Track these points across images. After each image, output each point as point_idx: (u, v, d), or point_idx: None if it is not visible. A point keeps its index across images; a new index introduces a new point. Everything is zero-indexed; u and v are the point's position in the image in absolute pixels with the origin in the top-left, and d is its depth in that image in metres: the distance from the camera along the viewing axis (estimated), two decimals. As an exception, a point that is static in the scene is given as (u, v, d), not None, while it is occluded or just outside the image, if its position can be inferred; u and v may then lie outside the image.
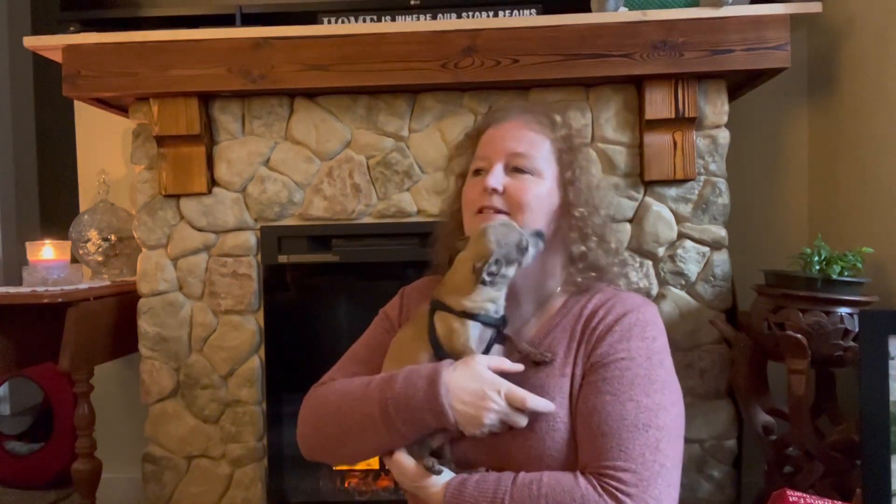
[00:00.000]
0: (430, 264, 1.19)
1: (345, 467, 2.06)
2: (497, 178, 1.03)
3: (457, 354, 0.98)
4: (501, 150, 1.05)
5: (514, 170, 1.04)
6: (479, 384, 0.94)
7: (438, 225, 1.21)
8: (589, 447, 0.92)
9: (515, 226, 0.99)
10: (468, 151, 1.13)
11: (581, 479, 0.90)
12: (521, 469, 0.95)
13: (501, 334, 1.01)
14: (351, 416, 0.99)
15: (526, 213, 1.02)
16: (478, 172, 1.07)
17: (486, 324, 0.98)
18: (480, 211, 1.04)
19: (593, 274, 1.07)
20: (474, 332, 0.97)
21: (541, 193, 1.04)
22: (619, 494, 0.87)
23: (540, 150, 1.05)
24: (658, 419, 0.92)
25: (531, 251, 0.99)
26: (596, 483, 0.89)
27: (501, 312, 1.00)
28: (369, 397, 0.97)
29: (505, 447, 0.97)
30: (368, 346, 1.16)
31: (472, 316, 0.97)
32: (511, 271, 0.98)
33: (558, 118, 1.11)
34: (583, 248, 1.06)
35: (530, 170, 1.04)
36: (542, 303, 1.08)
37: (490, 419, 0.93)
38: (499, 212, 1.03)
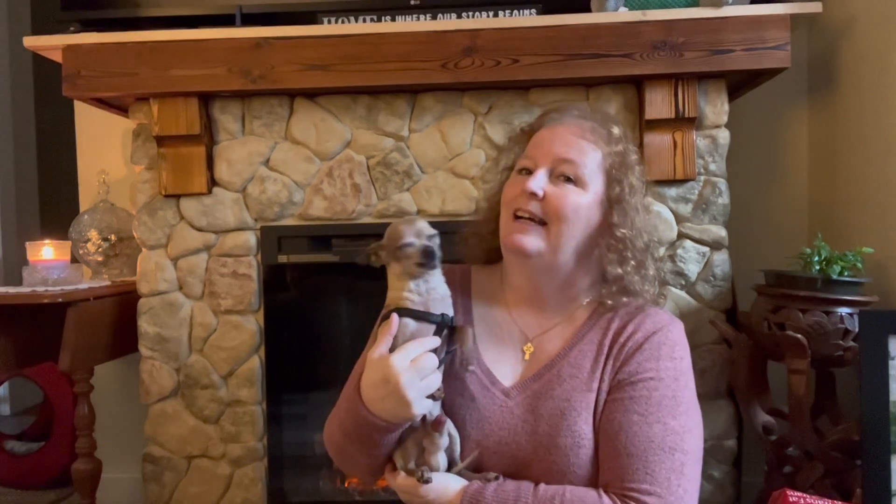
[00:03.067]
0: (464, 258, 1.17)
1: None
2: (539, 181, 0.99)
3: None
4: (549, 154, 1.01)
5: (558, 176, 1.00)
6: (380, 372, 0.92)
7: (472, 221, 1.19)
8: (613, 466, 0.91)
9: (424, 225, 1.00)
10: (517, 146, 1.11)
11: (605, 498, 0.89)
12: (539, 482, 0.94)
13: (452, 331, 0.99)
14: (339, 441, 1.02)
15: (563, 224, 0.99)
16: (522, 171, 1.04)
17: (418, 318, 0.96)
18: (516, 216, 1.00)
19: (625, 299, 1.02)
20: (406, 329, 0.96)
21: (581, 205, 0.99)
22: None
23: (589, 160, 1.01)
24: (684, 443, 0.92)
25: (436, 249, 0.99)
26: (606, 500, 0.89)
27: (440, 311, 0.98)
28: (353, 398, 0.99)
29: (526, 463, 0.96)
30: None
31: (398, 311, 0.97)
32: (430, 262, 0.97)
33: (617, 131, 1.05)
34: (619, 270, 1.01)
35: (575, 178, 1.00)
36: (567, 314, 1.05)
37: (413, 396, 0.91)
38: (534, 219, 0.99)
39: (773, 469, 1.73)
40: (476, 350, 1.03)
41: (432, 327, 0.97)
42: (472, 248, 1.16)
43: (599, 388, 0.97)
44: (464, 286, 1.12)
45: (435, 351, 0.95)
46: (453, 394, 1.02)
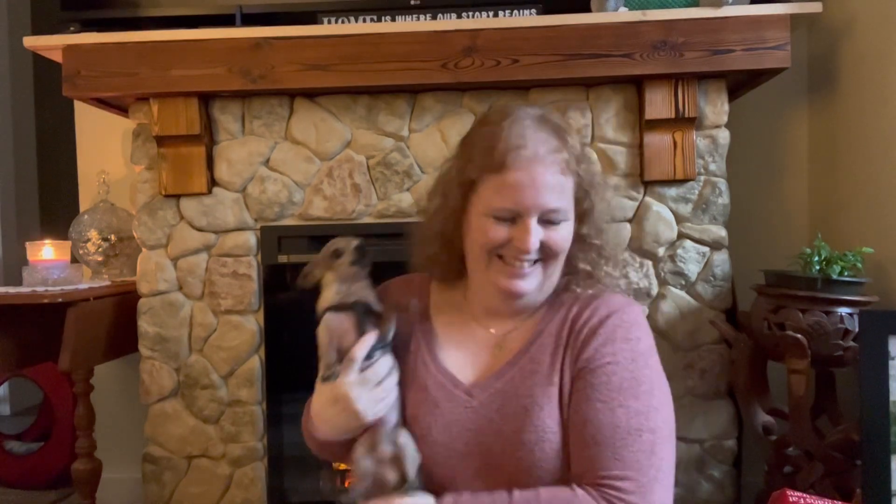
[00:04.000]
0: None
1: (345, 466, 2.05)
2: (536, 238, 0.96)
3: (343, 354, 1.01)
4: (536, 206, 0.95)
5: (547, 221, 0.97)
6: (328, 395, 1.00)
7: (422, 232, 1.10)
8: (584, 457, 0.91)
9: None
10: (478, 163, 0.99)
11: (579, 491, 0.89)
12: (511, 481, 0.93)
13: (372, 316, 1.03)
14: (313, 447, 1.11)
15: (558, 259, 0.99)
16: (501, 218, 0.97)
17: (336, 310, 1.01)
18: (510, 262, 0.98)
19: (590, 291, 1.04)
20: (329, 324, 1.01)
21: (569, 236, 1.00)
22: None
23: (567, 195, 0.98)
24: (649, 422, 0.91)
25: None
26: (596, 494, 0.88)
27: (358, 298, 1.03)
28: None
29: (496, 462, 0.96)
30: None
31: (321, 313, 1.03)
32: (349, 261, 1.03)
33: (572, 140, 1.00)
34: (589, 267, 1.04)
35: (562, 220, 0.98)
36: (531, 310, 1.05)
37: (362, 406, 0.96)
38: (533, 262, 0.98)
39: (773, 469, 1.72)
40: (432, 352, 1.05)
41: (352, 316, 1.01)
42: (427, 268, 1.11)
43: (562, 380, 0.97)
44: (422, 292, 1.12)
45: (382, 340, 1.00)
46: (418, 404, 1.02)
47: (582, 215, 1.02)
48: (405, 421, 1.02)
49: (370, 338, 1.00)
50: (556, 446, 0.94)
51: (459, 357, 1.04)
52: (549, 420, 0.94)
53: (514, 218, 0.96)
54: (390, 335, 1.02)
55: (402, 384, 1.03)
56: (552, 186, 0.96)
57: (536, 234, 0.96)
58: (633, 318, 1.00)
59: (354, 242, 1.04)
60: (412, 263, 1.14)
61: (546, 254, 0.98)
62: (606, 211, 1.05)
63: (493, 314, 1.05)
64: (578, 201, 1.01)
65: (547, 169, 0.95)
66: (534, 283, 0.99)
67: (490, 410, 0.98)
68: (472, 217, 1.00)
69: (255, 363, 1.95)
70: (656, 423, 0.92)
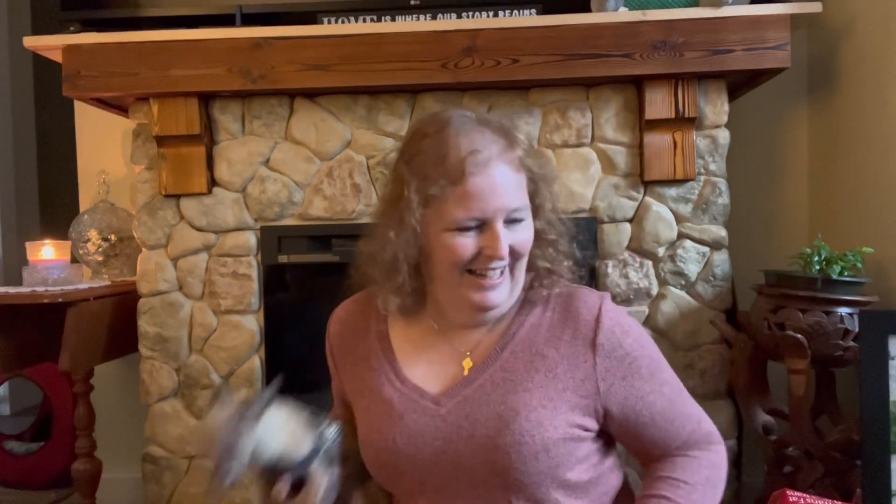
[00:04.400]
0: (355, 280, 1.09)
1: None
2: (506, 242, 0.93)
3: None
4: (501, 209, 0.93)
5: (510, 221, 0.95)
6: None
7: (376, 251, 1.03)
8: (667, 436, 1.01)
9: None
10: (434, 178, 0.93)
11: (695, 453, 1.01)
12: (483, 485, 0.94)
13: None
14: None
15: (523, 260, 0.98)
16: (465, 229, 0.93)
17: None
18: (484, 274, 0.95)
19: (556, 289, 1.02)
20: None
21: (531, 235, 0.98)
22: (715, 442, 1.04)
23: (525, 192, 0.97)
24: (675, 380, 1.04)
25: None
26: (703, 446, 1.02)
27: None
28: None
29: (467, 467, 0.95)
30: (333, 389, 1.21)
31: None
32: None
33: (520, 135, 0.99)
34: (548, 264, 1.02)
35: (524, 217, 0.97)
36: (498, 319, 1.03)
37: None
38: (502, 271, 0.96)
39: (773, 469, 1.72)
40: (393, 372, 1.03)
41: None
42: (386, 298, 1.03)
43: (551, 387, 0.96)
44: (378, 313, 1.07)
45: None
46: (380, 419, 1.00)
47: (535, 211, 1.00)
48: (366, 437, 1.02)
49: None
50: (535, 448, 0.93)
51: (424, 370, 1.02)
52: (525, 423, 0.93)
53: (479, 226, 0.93)
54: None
55: (364, 400, 1.03)
56: (511, 185, 0.94)
57: (506, 239, 0.93)
58: (614, 309, 1.01)
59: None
60: (363, 288, 1.10)
61: (514, 256, 0.96)
62: (557, 204, 1.04)
63: (457, 328, 1.03)
64: (531, 197, 0.99)
65: (503, 169, 0.93)
66: (504, 291, 0.97)
67: (459, 417, 0.96)
68: (434, 237, 0.95)
69: (255, 363, 1.95)
70: (673, 375, 1.04)
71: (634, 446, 1.04)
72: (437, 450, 0.96)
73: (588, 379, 0.97)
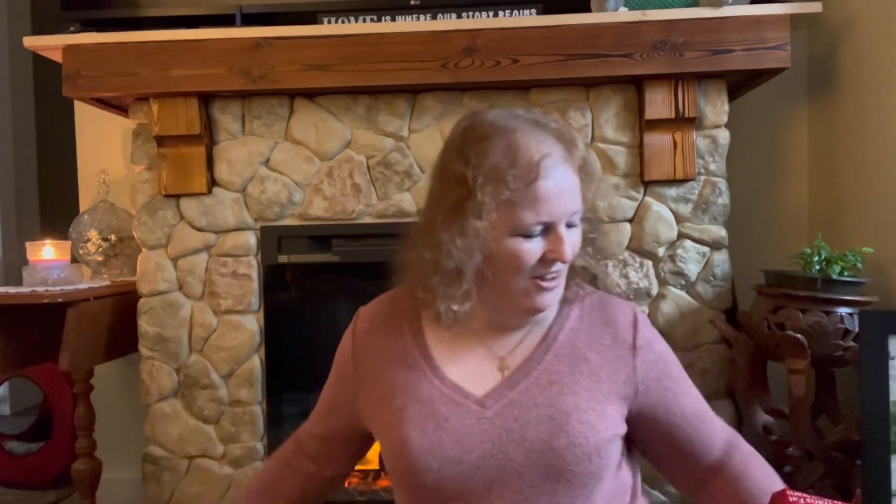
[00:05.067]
0: (397, 274, 1.05)
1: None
2: (570, 245, 0.93)
3: None
4: (566, 212, 0.92)
5: (567, 225, 0.94)
6: None
7: (420, 250, 0.99)
8: (702, 436, 1.03)
9: None
10: (509, 183, 0.90)
11: (742, 449, 1.07)
12: (532, 488, 0.93)
13: None
14: None
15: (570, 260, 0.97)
16: (530, 236, 0.92)
17: None
18: (545, 279, 0.94)
19: (590, 288, 1.04)
20: None
21: (581, 237, 0.99)
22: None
23: (581, 195, 0.96)
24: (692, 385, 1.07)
25: None
26: (743, 441, 1.08)
27: None
28: None
29: (517, 471, 0.94)
30: (326, 398, 1.12)
31: None
32: None
33: (578, 139, 0.97)
34: (585, 263, 1.02)
35: (578, 222, 0.97)
36: (536, 322, 1.02)
37: None
38: (561, 277, 0.96)
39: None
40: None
41: None
42: (445, 309, 0.98)
43: (596, 389, 0.97)
44: (412, 313, 1.05)
45: None
46: (420, 419, 0.96)
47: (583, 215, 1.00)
48: (403, 438, 0.95)
49: None
50: (589, 450, 0.93)
51: (461, 371, 1.00)
52: (578, 425, 0.93)
53: (545, 230, 0.92)
54: None
55: (399, 400, 0.98)
56: (573, 189, 0.94)
57: (570, 242, 0.93)
58: (644, 315, 1.05)
59: None
60: (400, 278, 1.05)
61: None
62: (599, 203, 1.04)
63: (494, 329, 1.01)
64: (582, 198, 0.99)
65: (567, 172, 0.93)
66: (559, 293, 0.98)
67: (507, 420, 0.95)
68: (497, 241, 0.92)
69: (255, 363, 1.95)
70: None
71: (664, 452, 1.04)
72: (485, 452, 0.94)
73: (628, 382, 0.98)
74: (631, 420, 1.00)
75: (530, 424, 0.94)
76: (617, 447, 0.99)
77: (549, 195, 0.90)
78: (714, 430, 1.04)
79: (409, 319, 1.04)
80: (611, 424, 0.96)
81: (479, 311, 1.00)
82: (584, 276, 1.03)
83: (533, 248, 0.92)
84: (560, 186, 0.91)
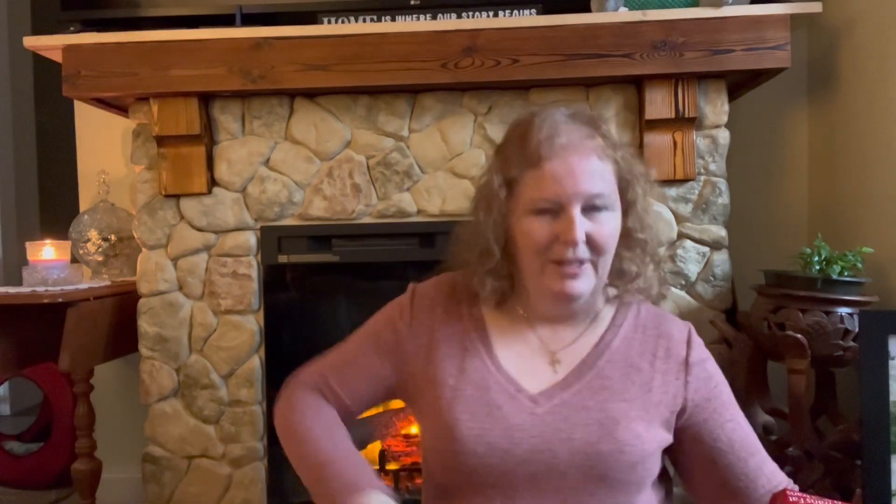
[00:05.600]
0: (445, 265, 1.09)
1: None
2: (581, 228, 0.92)
3: None
4: (577, 193, 0.93)
5: (590, 209, 0.94)
6: None
7: (470, 239, 1.04)
8: (748, 470, 0.98)
9: None
10: (514, 161, 0.98)
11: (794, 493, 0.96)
12: (574, 488, 0.94)
13: None
14: (298, 465, 1.09)
15: (607, 255, 0.96)
16: (543, 212, 0.94)
17: None
18: (560, 263, 0.94)
19: (640, 296, 1.04)
20: None
21: (615, 228, 0.97)
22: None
23: (610, 181, 0.96)
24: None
25: None
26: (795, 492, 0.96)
27: None
28: (315, 476, 1.01)
29: (561, 470, 0.94)
30: (355, 359, 1.09)
31: None
32: None
33: (611, 131, 1.01)
34: (635, 268, 1.02)
35: (605, 205, 0.95)
36: (589, 321, 1.04)
37: None
38: (583, 262, 0.94)
39: (773, 469, 1.72)
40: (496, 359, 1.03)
41: None
42: (464, 270, 1.05)
43: (646, 399, 0.97)
44: (470, 297, 1.06)
45: None
46: (474, 403, 0.97)
47: (627, 208, 0.99)
48: (454, 419, 0.97)
49: None
50: (634, 458, 0.94)
51: (518, 364, 1.01)
52: (625, 433, 0.94)
53: (556, 211, 0.94)
54: None
55: (452, 380, 1.00)
56: (591, 172, 0.94)
57: (581, 224, 0.92)
58: (697, 335, 1.05)
59: None
60: (451, 267, 1.09)
61: (594, 249, 0.94)
62: (650, 203, 1.03)
63: (548, 322, 1.03)
64: (622, 192, 0.98)
65: (583, 156, 0.94)
66: (586, 284, 0.96)
67: (557, 419, 0.96)
68: (516, 222, 0.97)
69: (255, 363, 1.95)
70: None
71: (704, 480, 1.00)
72: (533, 447, 0.95)
73: (678, 396, 0.98)
74: (676, 438, 0.99)
75: (579, 426, 0.95)
76: (658, 461, 0.98)
77: (555, 175, 0.93)
78: (761, 469, 0.98)
79: (469, 304, 1.06)
80: (657, 436, 0.97)
81: (523, 297, 1.03)
82: (636, 281, 1.02)
83: (542, 227, 0.94)
84: (571, 168, 0.93)
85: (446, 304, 1.06)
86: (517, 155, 0.97)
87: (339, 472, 0.98)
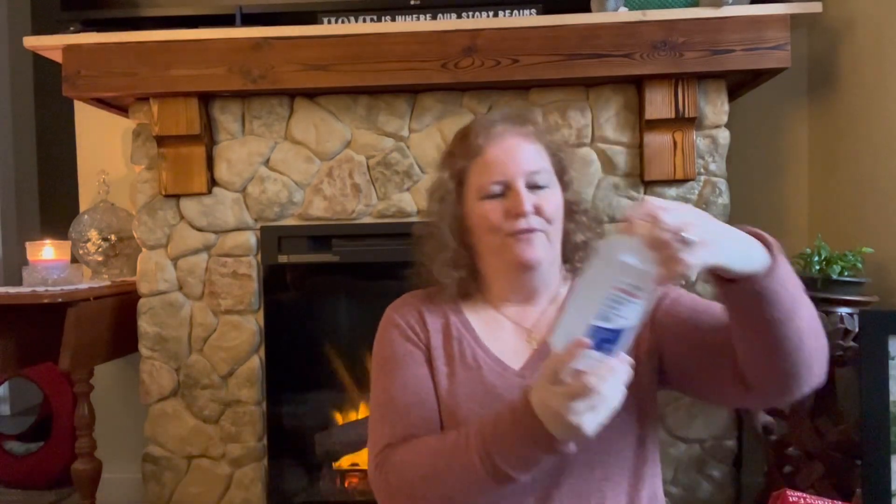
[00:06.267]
0: (416, 274, 1.14)
1: (345, 466, 2.06)
2: (529, 199, 1.02)
3: None
4: (518, 171, 1.04)
5: (533, 186, 1.04)
6: (546, 369, 0.83)
7: (427, 234, 1.13)
8: (712, 310, 1.00)
9: None
10: (459, 156, 1.09)
11: None
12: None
13: None
14: (449, 473, 0.91)
15: (555, 226, 1.06)
16: (492, 196, 1.04)
17: None
18: (516, 233, 1.02)
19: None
20: None
21: (559, 202, 1.07)
22: None
23: (546, 161, 1.08)
24: None
25: None
26: None
27: None
28: (465, 446, 0.90)
29: None
30: (413, 387, 1.04)
31: None
32: None
33: (539, 118, 1.15)
34: (582, 236, 1.11)
35: (546, 183, 1.06)
36: (551, 295, 1.10)
37: (559, 403, 0.79)
38: (535, 230, 1.02)
39: (773, 469, 1.73)
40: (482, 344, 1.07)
41: None
42: (435, 272, 1.11)
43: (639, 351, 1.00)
44: (447, 297, 1.12)
45: None
46: (471, 384, 1.03)
47: (565, 185, 1.10)
48: (456, 401, 1.01)
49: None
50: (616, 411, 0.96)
51: (499, 345, 1.07)
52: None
53: (504, 191, 1.04)
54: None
55: (448, 368, 1.05)
56: (527, 152, 1.06)
57: (528, 196, 1.02)
58: None
59: None
60: (422, 279, 1.14)
61: (543, 217, 1.03)
62: (582, 177, 1.13)
63: (513, 304, 1.09)
64: (558, 173, 1.09)
65: (518, 139, 1.07)
66: (542, 250, 1.04)
67: None
68: (471, 211, 1.07)
69: (255, 363, 1.95)
70: None
71: (700, 359, 0.97)
72: None
73: (646, 334, 1.01)
74: (663, 361, 1.01)
75: None
76: (641, 407, 1.00)
77: (497, 159, 1.05)
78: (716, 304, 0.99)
79: (448, 303, 1.12)
80: (634, 374, 0.96)
81: (486, 287, 1.11)
82: (584, 250, 1.10)
83: (495, 207, 1.04)
84: (509, 151, 1.06)
85: (426, 305, 1.13)
86: (461, 151, 1.09)
87: (494, 417, 0.90)
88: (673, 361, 1.01)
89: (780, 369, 0.87)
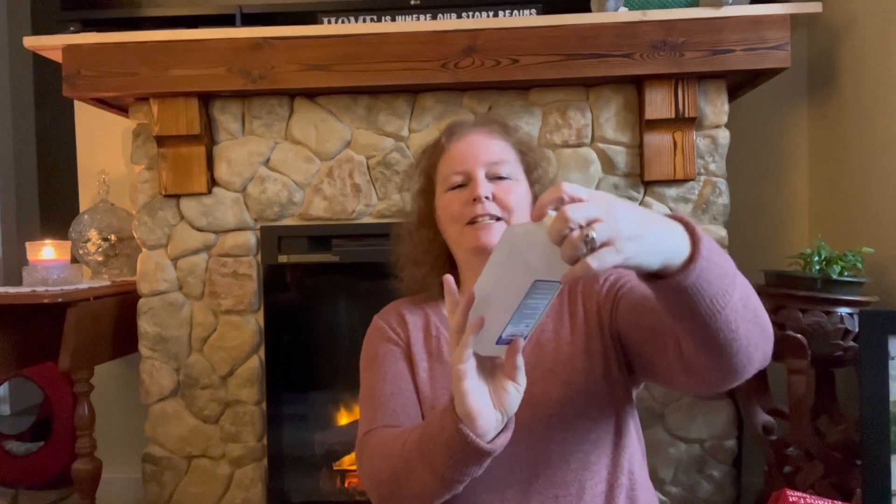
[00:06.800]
0: (397, 284, 1.20)
1: (345, 466, 2.06)
2: (485, 186, 1.06)
3: None
4: (478, 161, 1.08)
5: (493, 177, 1.08)
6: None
7: (398, 228, 1.22)
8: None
9: None
10: (428, 154, 1.18)
11: None
12: (539, 438, 0.99)
13: None
14: (408, 476, 0.93)
15: (515, 215, 1.07)
16: (455, 188, 1.09)
17: None
18: (473, 221, 1.06)
19: None
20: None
21: (522, 194, 1.09)
22: None
23: (509, 155, 1.11)
24: None
25: None
26: None
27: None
28: (415, 449, 0.91)
29: (526, 425, 0.96)
30: (391, 380, 1.09)
31: None
32: None
33: (510, 123, 1.20)
34: None
35: (508, 174, 1.09)
36: None
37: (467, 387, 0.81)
38: (493, 217, 1.05)
39: (773, 469, 1.73)
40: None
41: None
42: (412, 279, 1.18)
43: (586, 339, 1.04)
44: (428, 300, 1.17)
45: None
46: (444, 376, 1.07)
47: (534, 180, 1.13)
48: (431, 399, 1.06)
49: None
50: (582, 398, 1.00)
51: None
52: (576, 376, 1.01)
53: (465, 182, 1.08)
54: None
55: (425, 363, 1.09)
56: (489, 144, 1.10)
57: (485, 183, 1.06)
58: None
59: None
60: (402, 286, 1.19)
61: (501, 207, 1.05)
62: (552, 173, 1.15)
63: None
64: (528, 168, 1.13)
65: (482, 134, 1.12)
66: (498, 237, 1.01)
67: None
68: (438, 206, 1.13)
69: (255, 363, 1.95)
70: None
71: (651, 339, 0.95)
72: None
73: (598, 312, 1.05)
74: (624, 348, 1.02)
75: (536, 382, 1.00)
76: (614, 396, 1.02)
77: (459, 153, 1.11)
78: None
79: (429, 302, 1.17)
80: (602, 363, 1.02)
81: (465, 278, 1.13)
82: None
83: (457, 196, 1.08)
84: (471, 144, 1.10)
85: (408, 307, 1.17)
86: (430, 151, 1.17)
87: (428, 422, 0.92)
88: (630, 348, 1.02)
89: (716, 359, 0.83)
